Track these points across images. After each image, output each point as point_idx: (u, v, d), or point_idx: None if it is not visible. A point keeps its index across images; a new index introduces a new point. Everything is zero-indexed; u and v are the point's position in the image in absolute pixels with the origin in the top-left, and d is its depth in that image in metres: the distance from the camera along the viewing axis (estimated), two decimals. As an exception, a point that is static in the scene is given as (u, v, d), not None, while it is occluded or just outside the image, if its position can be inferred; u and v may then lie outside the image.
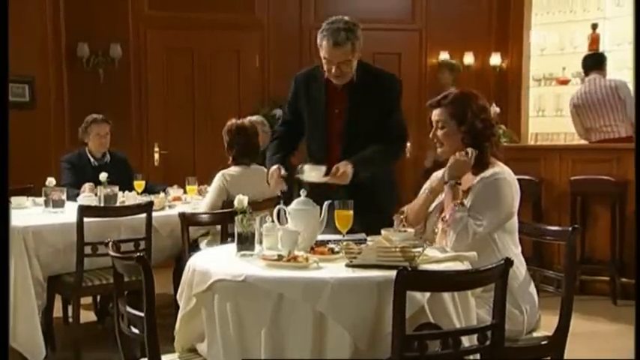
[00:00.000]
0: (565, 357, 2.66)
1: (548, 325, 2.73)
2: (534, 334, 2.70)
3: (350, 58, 3.06)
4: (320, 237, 2.63)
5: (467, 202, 2.65)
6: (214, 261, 2.41)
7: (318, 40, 3.06)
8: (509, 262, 2.08)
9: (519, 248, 2.75)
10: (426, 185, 2.88)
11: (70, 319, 4.18)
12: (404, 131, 3.28)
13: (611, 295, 4.96)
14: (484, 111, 2.75)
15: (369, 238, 2.60)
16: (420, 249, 2.31)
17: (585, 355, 3.60)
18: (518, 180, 2.75)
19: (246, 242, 2.49)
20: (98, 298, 4.55)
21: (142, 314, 2.17)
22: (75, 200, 4.05)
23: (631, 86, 5.55)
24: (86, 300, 4.39)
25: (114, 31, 6.40)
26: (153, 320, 2.15)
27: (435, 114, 2.81)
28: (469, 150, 2.70)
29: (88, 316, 4.40)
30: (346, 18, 3.08)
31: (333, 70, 3.07)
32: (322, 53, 3.05)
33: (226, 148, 4.25)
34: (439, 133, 2.80)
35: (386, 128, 3.13)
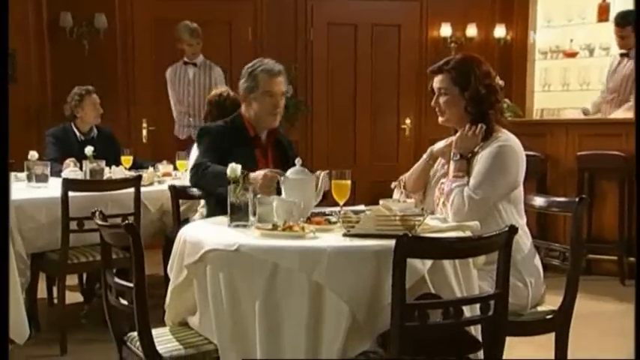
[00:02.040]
0: (570, 336, 2.69)
1: (553, 305, 2.73)
2: (539, 309, 2.72)
3: (285, 89, 3.23)
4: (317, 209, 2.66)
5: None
6: (206, 231, 2.42)
7: (248, 83, 3.17)
8: (513, 230, 2.10)
9: (524, 219, 2.76)
10: (427, 152, 2.89)
11: (55, 301, 4.20)
12: None
13: (619, 275, 4.99)
14: (488, 76, 2.75)
15: (366, 208, 2.61)
16: (420, 218, 2.32)
17: (591, 335, 3.64)
18: (523, 156, 2.76)
19: (239, 212, 2.49)
20: (84, 278, 4.56)
21: (131, 285, 2.18)
22: (59, 176, 4.04)
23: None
24: (71, 281, 4.40)
25: (99, 0, 6.35)
26: (143, 291, 2.16)
27: (437, 80, 2.81)
28: (479, 125, 2.70)
29: (73, 297, 4.41)
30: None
31: (280, 104, 3.18)
32: (262, 89, 3.14)
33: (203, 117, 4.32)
34: (441, 100, 2.80)
35: None
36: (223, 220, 2.57)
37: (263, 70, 3.15)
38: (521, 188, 2.74)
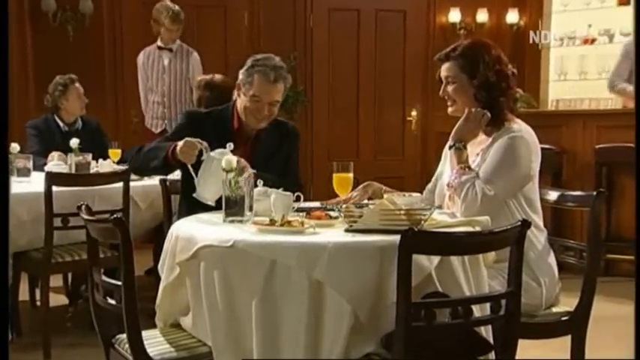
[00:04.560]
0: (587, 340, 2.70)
1: (569, 307, 2.75)
2: (554, 310, 2.74)
3: (279, 99, 3.18)
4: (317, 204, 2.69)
5: (474, 164, 2.68)
6: (200, 226, 2.44)
7: (244, 77, 3.13)
8: (526, 224, 2.11)
9: (540, 215, 2.77)
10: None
11: (38, 303, 4.21)
12: (299, 182, 3.32)
13: (640, 276, 5.01)
14: (498, 62, 2.75)
15: (370, 202, 2.63)
16: (427, 212, 2.34)
17: (608, 339, 3.64)
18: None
19: (234, 207, 2.50)
20: (69, 278, 4.57)
21: (119, 283, 2.20)
22: (42, 170, 4.06)
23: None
24: (56, 282, 4.42)
25: (84, -17, 6.36)
26: (132, 289, 2.17)
27: (444, 68, 2.83)
28: (480, 110, 2.70)
29: (57, 299, 4.43)
30: (277, 57, 3.19)
31: (266, 111, 3.14)
32: (252, 91, 3.11)
33: (195, 105, 4.38)
34: (449, 89, 2.82)
35: (284, 178, 3.13)
36: (218, 215, 2.58)
37: (261, 71, 3.10)
38: (535, 182, 2.75)
